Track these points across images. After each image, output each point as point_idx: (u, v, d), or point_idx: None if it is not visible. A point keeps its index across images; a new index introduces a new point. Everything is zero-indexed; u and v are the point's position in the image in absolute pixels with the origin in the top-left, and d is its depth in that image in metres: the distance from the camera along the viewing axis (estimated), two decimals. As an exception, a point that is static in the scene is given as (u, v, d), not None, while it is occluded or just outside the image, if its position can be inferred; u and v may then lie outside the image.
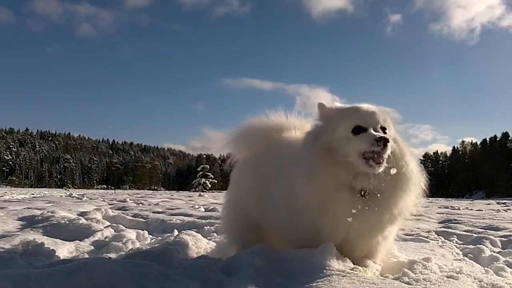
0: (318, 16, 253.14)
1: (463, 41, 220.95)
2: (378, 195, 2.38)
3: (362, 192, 2.38)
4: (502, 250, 3.99)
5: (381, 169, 2.31)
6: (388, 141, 2.30)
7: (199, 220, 5.87)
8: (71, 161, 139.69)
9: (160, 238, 4.41)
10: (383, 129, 2.46)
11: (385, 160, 2.32)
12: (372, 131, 2.39)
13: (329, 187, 2.39)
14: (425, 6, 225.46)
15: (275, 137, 3.08)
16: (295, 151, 2.68)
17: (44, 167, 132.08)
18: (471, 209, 12.63)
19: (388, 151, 2.32)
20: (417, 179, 2.52)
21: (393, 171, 2.37)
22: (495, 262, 3.19)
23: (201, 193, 32.82)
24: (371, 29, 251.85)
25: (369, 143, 2.32)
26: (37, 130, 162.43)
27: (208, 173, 47.05)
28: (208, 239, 4.11)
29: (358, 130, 2.42)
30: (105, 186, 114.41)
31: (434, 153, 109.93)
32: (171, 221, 5.64)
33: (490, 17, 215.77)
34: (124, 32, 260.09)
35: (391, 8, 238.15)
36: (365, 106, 2.56)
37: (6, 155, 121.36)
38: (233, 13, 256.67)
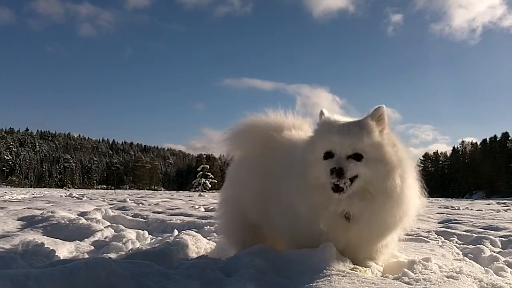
0: (319, 16, 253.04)
1: (464, 41, 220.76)
2: (357, 217, 2.37)
3: (345, 215, 2.38)
4: (502, 250, 3.99)
5: (344, 196, 2.29)
6: (341, 173, 2.23)
7: (199, 220, 5.87)
8: (71, 161, 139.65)
9: (160, 238, 4.41)
10: (356, 156, 2.33)
11: (348, 187, 2.27)
12: (334, 160, 2.32)
13: (314, 208, 2.43)
14: (426, 6, 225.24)
15: (275, 136, 3.07)
16: (293, 158, 2.68)
17: (44, 167, 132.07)
18: (471, 209, 12.63)
19: (350, 181, 2.27)
20: (402, 197, 2.39)
21: (371, 192, 2.34)
22: (495, 262, 3.19)
23: (201, 193, 32.81)
24: (372, 29, 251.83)
25: (327, 173, 2.29)
26: (37, 130, 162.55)
27: (208, 173, 47.04)
28: (208, 239, 4.11)
29: (328, 155, 2.39)
30: (105, 186, 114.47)
31: (434, 153, 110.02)
32: (171, 221, 5.64)
33: (492, 17, 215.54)
34: (125, 32, 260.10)
35: (392, 8, 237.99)
36: (341, 127, 2.42)
37: (6, 155, 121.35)
38: (234, 13, 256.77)
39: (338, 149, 2.35)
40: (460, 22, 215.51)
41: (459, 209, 12.52)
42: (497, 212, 11.41)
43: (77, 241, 3.83)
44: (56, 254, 3.26)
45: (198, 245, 3.68)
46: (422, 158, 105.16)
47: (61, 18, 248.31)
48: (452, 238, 4.70)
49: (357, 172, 2.32)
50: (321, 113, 2.61)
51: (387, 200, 2.35)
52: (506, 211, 12.39)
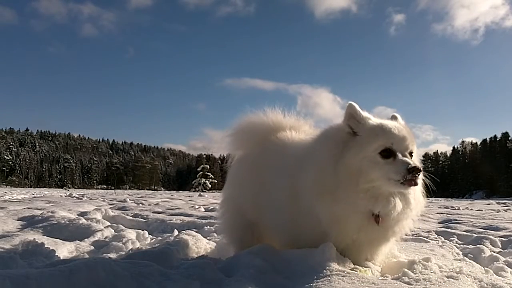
0: (322, 16, 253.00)
1: (467, 41, 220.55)
2: (389, 218, 2.38)
3: (377, 215, 2.38)
4: (502, 250, 3.99)
5: (411, 188, 2.34)
6: (420, 171, 2.26)
7: (199, 220, 5.87)
8: (71, 161, 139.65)
9: (160, 238, 4.40)
10: (411, 154, 2.39)
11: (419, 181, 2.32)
12: (401, 157, 2.31)
13: (346, 212, 2.37)
14: (429, 6, 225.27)
15: (274, 135, 3.07)
16: (307, 156, 2.58)
17: (44, 167, 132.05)
18: (471, 209, 12.63)
19: (421, 177, 2.32)
20: (421, 200, 2.53)
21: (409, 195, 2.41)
22: (495, 262, 3.19)
23: (201, 193, 32.80)
24: (374, 29, 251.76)
25: (402, 172, 2.25)
26: (37, 130, 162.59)
27: (208, 173, 47.02)
28: (208, 239, 4.11)
29: (387, 153, 2.33)
30: (105, 186, 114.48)
31: (434, 153, 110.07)
32: (171, 221, 5.64)
33: (494, 17, 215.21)
34: (127, 32, 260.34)
35: (395, 8, 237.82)
36: (397, 126, 2.43)
37: (6, 155, 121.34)
38: (236, 13, 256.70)
39: (400, 147, 2.35)
40: (463, 22, 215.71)
41: (459, 209, 12.52)
42: (497, 212, 11.41)
43: (77, 241, 3.83)
44: (56, 254, 3.26)
45: (198, 245, 3.68)
46: (422, 158, 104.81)
47: (64, 18, 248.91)
48: (452, 238, 4.70)
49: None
50: (353, 107, 2.46)
51: (415, 202, 2.45)
52: (506, 211, 12.38)
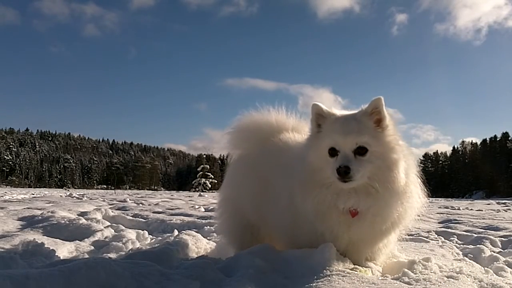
0: (324, 16, 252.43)
1: (469, 41, 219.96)
2: (364, 212, 2.37)
3: (350, 210, 2.38)
4: (502, 250, 3.99)
5: (351, 186, 2.30)
6: (347, 171, 2.23)
7: (199, 220, 5.87)
8: (71, 161, 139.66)
9: (160, 238, 4.41)
10: (360, 149, 2.33)
11: (355, 177, 2.26)
12: (339, 157, 2.32)
13: (320, 205, 2.42)
14: (431, 6, 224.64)
15: (274, 135, 3.05)
16: (295, 159, 2.64)
17: (44, 167, 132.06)
18: (471, 209, 12.63)
19: (354, 172, 2.25)
20: (406, 192, 2.41)
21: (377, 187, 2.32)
22: (495, 262, 3.19)
23: (201, 193, 32.80)
24: (376, 29, 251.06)
25: (335, 173, 2.27)
26: (37, 130, 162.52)
27: (208, 173, 47.05)
28: (208, 239, 4.11)
29: (333, 151, 2.38)
30: (105, 186, 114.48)
31: (434, 153, 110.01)
32: (171, 221, 5.64)
33: (497, 17, 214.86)
34: (129, 33, 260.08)
35: (397, 8, 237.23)
36: (346, 121, 2.41)
37: (6, 155, 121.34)
38: (238, 13, 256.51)
39: (343, 145, 2.34)
40: (465, 22, 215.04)
41: (459, 209, 12.52)
42: (497, 212, 11.41)
43: (77, 241, 3.83)
44: (56, 254, 3.26)
45: (198, 245, 3.68)
46: (422, 158, 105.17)
47: (66, 19, 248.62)
48: (452, 238, 4.70)
49: (363, 168, 2.29)
50: (316, 107, 2.52)
51: (393, 194, 2.35)
52: (506, 211, 12.38)
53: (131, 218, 6.09)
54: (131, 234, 4.37)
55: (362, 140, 2.33)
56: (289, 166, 2.68)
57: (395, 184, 2.34)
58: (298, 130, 3.12)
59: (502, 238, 4.56)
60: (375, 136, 2.37)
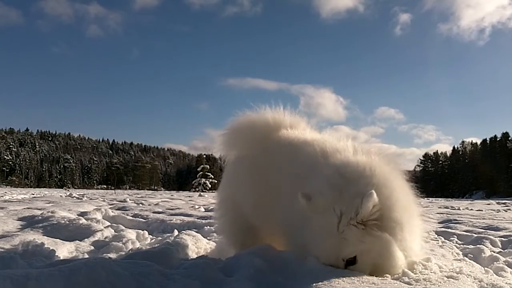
0: (328, 15, 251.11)
1: (473, 42, 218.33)
2: None
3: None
4: (502, 250, 3.99)
5: None
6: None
7: (199, 220, 5.87)
8: (71, 161, 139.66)
9: (160, 238, 4.40)
10: None
11: None
12: None
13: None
14: (435, 6, 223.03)
15: (272, 134, 3.03)
16: (309, 169, 2.49)
17: (44, 167, 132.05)
18: (471, 209, 12.63)
19: None
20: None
21: None
22: (495, 262, 3.19)
23: (201, 193, 32.81)
24: (379, 29, 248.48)
25: None
26: (37, 130, 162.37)
27: (208, 173, 47.03)
28: (208, 239, 4.11)
29: None
30: (105, 186, 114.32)
31: (434, 153, 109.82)
32: (171, 221, 5.64)
33: (500, 18, 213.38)
34: (131, 33, 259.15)
35: (401, 8, 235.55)
36: None
37: (6, 155, 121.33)
38: (241, 13, 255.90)
39: None
40: (469, 22, 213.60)
41: (459, 209, 12.52)
42: (497, 212, 11.41)
43: (77, 241, 3.83)
44: (56, 254, 3.26)
45: (198, 245, 3.68)
46: (422, 158, 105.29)
47: (70, 19, 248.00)
48: (452, 238, 4.70)
49: None
50: None
51: None
52: (506, 211, 12.38)
53: (131, 218, 6.08)
54: (131, 234, 4.37)
55: None
56: (302, 177, 2.49)
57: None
58: (296, 127, 3.09)
59: (502, 238, 4.56)
60: None
